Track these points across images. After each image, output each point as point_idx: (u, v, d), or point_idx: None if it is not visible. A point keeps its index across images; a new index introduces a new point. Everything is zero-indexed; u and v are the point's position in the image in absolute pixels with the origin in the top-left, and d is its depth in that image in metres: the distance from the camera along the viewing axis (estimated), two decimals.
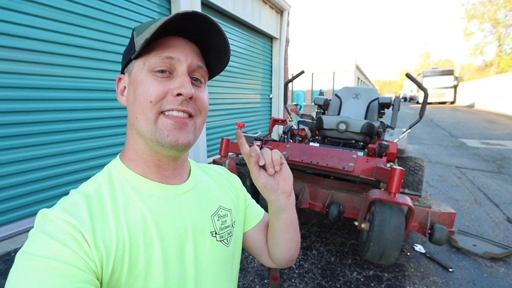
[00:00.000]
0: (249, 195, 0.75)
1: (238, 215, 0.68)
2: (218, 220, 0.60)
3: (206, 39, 0.52)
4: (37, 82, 2.29)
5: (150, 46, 0.49)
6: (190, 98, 0.49)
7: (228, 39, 0.53)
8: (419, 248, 2.41)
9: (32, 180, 2.31)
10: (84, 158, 2.68)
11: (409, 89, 30.67)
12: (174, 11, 3.61)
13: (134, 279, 0.45)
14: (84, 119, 2.65)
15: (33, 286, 0.36)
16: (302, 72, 3.17)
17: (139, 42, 0.48)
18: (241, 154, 2.79)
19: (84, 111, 2.65)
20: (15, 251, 2.11)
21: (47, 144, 2.38)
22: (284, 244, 0.65)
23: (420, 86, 2.59)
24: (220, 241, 0.59)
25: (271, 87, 6.87)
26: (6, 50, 2.09)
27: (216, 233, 0.58)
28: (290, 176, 0.58)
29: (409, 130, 2.74)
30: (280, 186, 0.57)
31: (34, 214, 2.34)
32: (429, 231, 1.95)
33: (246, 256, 2.24)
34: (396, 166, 1.80)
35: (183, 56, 0.50)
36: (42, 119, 2.34)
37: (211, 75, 0.59)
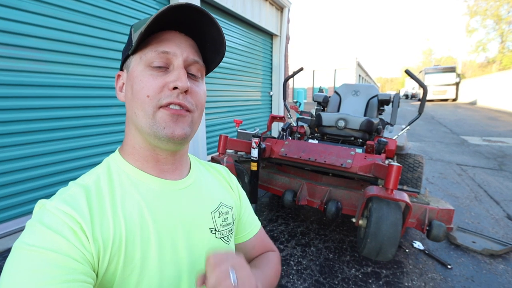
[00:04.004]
0: (249, 205, 0.74)
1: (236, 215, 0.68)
2: (219, 217, 0.60)
3: (202, 32, 0.52)
4: (34, 80, 2.29)
5: (146, 41, 0.50)
6: (186, 91, 0.49)
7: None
8: (417, 245, 2.41)
9: (31, 177, 2.32)
10: (84, 155, 2.69)
11: (411, 86, 30.51)
12: None
13: (130, 272, 0.45)
14: (81, 116, 2.65)
15: (29, 277, 0.36)
16: (301, 69, 3.16)
17: (136, 38, 0.49)
18: (239, 151, 2.79)
19: (81, 108, 2.65)
20: None
21: (44, 142, 2.39)
22: None
23: (419, 82, 2.57)
24: (220, 238, 0.59)
25: (271, 84, 6.85)
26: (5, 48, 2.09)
27: (216, 230, 0.58)
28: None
29: (408, 127, 2.73)
30: None
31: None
32: (427, 228, 1.95)
33: None
34: (394, 163, 1.79)
35: (178, 50, 0.50)
36: (37, 117, 2.33)
37: (208, 70, 0.59)
